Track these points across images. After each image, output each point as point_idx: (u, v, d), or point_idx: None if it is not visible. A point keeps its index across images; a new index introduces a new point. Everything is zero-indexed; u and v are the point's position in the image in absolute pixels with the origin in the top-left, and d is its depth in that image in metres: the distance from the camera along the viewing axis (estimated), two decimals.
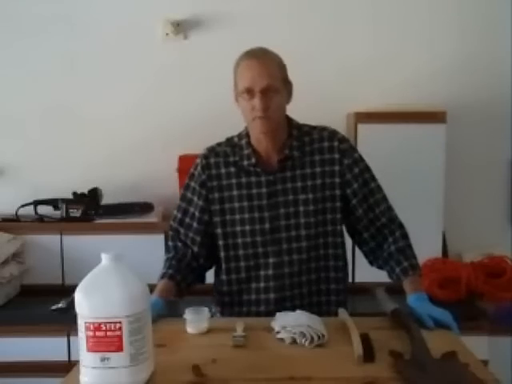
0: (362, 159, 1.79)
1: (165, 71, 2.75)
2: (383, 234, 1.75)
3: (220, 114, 2.57)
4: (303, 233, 1.69)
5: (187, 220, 1.76)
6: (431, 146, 2.52)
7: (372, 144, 2.51)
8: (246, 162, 1.70)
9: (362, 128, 2.52)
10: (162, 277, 1.70)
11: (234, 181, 1.71)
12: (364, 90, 2.73)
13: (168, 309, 1.62)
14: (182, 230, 1.77)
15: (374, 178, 1.80)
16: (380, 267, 1.77)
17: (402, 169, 2.52)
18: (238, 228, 1.69)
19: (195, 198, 1.74)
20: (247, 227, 1.68)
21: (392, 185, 2.52)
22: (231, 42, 2.64)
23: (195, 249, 1.76)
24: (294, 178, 1.70)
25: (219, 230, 1.72)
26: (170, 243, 1.80)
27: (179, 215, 1.78)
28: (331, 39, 2.73)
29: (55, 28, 2.73)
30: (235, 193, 1.70)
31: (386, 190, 2.56)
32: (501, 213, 2.80)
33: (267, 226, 1.68)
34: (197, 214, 1.74)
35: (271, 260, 1.68)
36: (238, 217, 1.69)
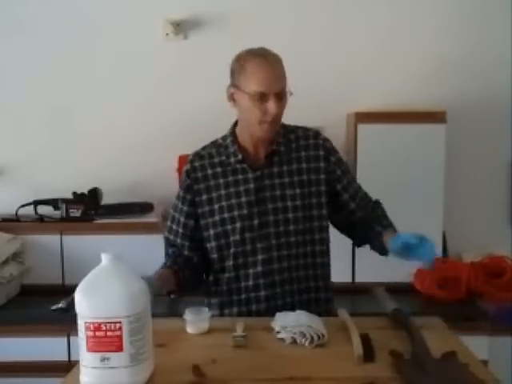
0: (342, 159, 1.86)
1: (165, 71, 2.75)
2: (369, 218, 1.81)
3: (220, 114, 2.54)
4: (291, 228, 1.69)
5: (174, 227, 1.79)
6: (431, 145, 2.52)
7: (372, 144, 2.51)
8: (232, 159, 1.71)
9: (362, 128, 2.52)
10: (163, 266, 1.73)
11: (221, 180, 1.71)
12: (364, 90, 2.73)
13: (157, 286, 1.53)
14: (171, 237, 1.80)
15: (354, 177, 1.92)
16: (363, 241, 1.83)
17: (402, 169, 2.52)
18: (229, 227, 1.69)
19: (180, 204, 1.76)
20: (238, 224, 1.68)
21: (392, 185, 2.54)
22: (231, 42, 2.63)
23: (185, 253, 1.77)
24: (281, 173, 1.71)
25: (211, 231, 1.71)
26: (168, 250, 1.84)
27: (169, 223, 1.83)
28: (331, 39, 2.73)
29: (55, 28, 2.72)
30: (223, 192, 1.70)
31: (385, 190, 2.57)
32: (501, 213, 2.80)
33: (256, 221, 1.68)
34: (182, 219, 1.76)
35: (260, 257, 1.68)
36: (227, 215, 1.69)
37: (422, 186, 2.53)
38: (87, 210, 2.58)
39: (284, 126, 1.76)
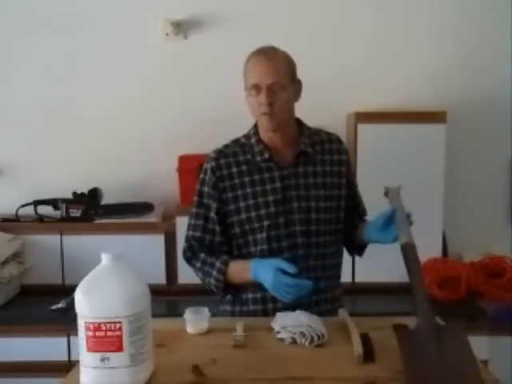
0: None
1: (165, 71, 2.75)
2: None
3: (220, 114, 2.57)
4: (315, 228, 1.70)
5: (210, 226, 1.73)
6: (431, 145, 2.52)
7: (372, 144, 2.51)
8: (259, 158, 1.71)
9: (362, 128, 2.52)
10: (224, 263, 1.67)
11: (246, 179, 1.71)
12: (364, 90, 2.73)
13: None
14: (207, 237, 1.73)
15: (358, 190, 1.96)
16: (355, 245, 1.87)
17: (402, 169, 2.52)
18: (256, 225, 1.69)
19: (211, 202, 1.73)
20: (264, 222, 1.68)
21: (392, 185, 2.54)
22: (231, 41, 2.64)
23: (224, 248, 1.73)
24: (306, 174, 1.72)
25: (237, 229, 1.71)
26: (200, 254, 1.73)
27: (201, 222, 1.73)
28: (331, 39, 2.73)
29: (56, 28, 2.73)
30: (249, 190, 1.70)
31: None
32: (501, 213, 2.80)
33: (282, 220, 1.69)
34: (215, 217, 1.72)
35: (286, 255, 1.67)
36: (254, 214, 1.69)
37: (422, 186, 2.53)
38: (87, 210, 2.58)
39: (308, 128, 1.79)
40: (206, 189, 1.73)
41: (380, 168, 2.53)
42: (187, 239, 1.76)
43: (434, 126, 2.51)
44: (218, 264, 1.68)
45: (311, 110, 2.58)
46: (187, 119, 2.73)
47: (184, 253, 1.77)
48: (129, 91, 2.76)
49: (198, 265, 1.73)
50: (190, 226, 1.76)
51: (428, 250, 2.53)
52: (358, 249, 1.87)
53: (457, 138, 2.64)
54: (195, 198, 1.76)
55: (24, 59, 2.76)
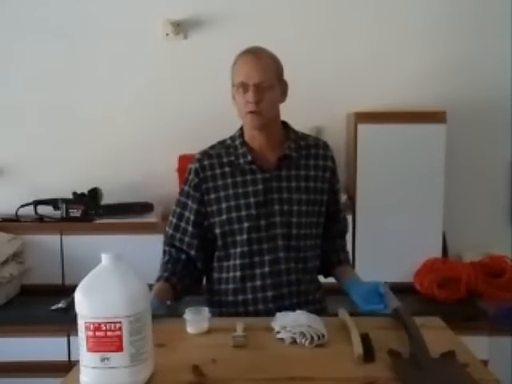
0: None
1: (165, 71, 2.75)
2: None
3: (220, 114, 2.56)
4: (294, 232, 1.71)
5: (183, 225, 1.77)
6: (431, 145, 2.52)
7: (372, 144, 2.51)
8: (241, 160, 1.72)
9: (362, 128, 2.52)
10: (158, 280, 1.72)
11: (229, 180, 1.72)
12: (364, 90, 2.73)
13: (163, 309, 1.64)
14: (177, 235, 1.78)
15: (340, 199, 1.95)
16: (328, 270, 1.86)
17: (402, 169, 2.52)
18: (236, 226, 1.70)
19: (189, 202, 1.76)
20: (245, 224, 1.69)
21: (392, 185, 2.54)
22: (231, 41, 2.62)
23: (192, 252, 1.76)
24: (289, 177, 1.73)
25: (218, 230, 1.72)
26: (166, 248, 1.81)
27: (174, 220, 1.79)
28: (331, 39, 2.73)
29: (56, 28, 2.73)
30: (231, 192, 1.71)
31: (385, 190, 2.58)
32: (501, 213, 2.80)
33: (263, 222, 1.69)
34: (192, 217, 1.75)
35: (267, 257, 1.69)
36: (234, 215, 1.70)
37: (422, 186, 2.53)
38: (87, 210, 2.58)
39: (295, 131, 1.79)
40: (186, 188, 1.77)
41: (380, 168, 2.53)
42: (164, 234, 1.83)
43: (434, 126, 2.51)
44: (158, 273, 1.74)
45: (311, 110, 2.61)
46: (187, 119, 2.73)
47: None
48: (129, 91, 2.76)
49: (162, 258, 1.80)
50: (168, 222, 1.83)
51: (428, 249, 2.54)
52: (327, 272, 1.87)
53: (457, 138, 2.64)
54: (177, 197, 1.80)
55: (24, 59, 2.76)
